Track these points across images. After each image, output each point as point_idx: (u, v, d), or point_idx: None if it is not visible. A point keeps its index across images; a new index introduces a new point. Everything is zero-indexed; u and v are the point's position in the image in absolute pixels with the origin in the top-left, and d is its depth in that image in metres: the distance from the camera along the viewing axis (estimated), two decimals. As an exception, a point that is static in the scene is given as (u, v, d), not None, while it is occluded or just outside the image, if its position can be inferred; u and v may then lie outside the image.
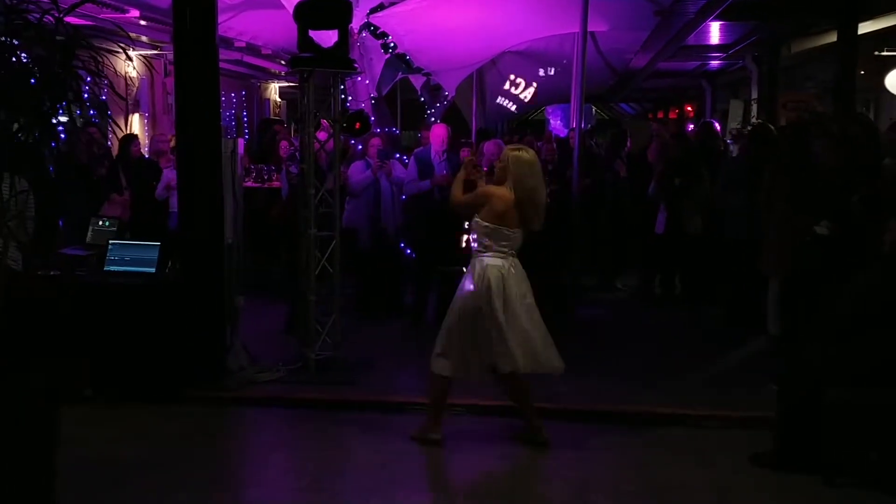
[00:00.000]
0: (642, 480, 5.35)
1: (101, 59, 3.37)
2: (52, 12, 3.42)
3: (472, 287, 5.63)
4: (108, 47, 4.45)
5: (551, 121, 26.45)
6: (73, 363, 6.37)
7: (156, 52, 13.46)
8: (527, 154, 5.71)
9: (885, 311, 5.28)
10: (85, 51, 3.64)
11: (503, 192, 5.61)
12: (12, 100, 3.17)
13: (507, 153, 5.75)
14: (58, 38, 3.34)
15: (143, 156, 10.71)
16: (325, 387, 6.93)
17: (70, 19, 9.34)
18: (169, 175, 9.23)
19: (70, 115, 3.31)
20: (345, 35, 7.13)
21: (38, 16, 3.44)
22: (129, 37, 4.41)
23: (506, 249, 5.65)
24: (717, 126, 14.55)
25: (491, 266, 5.59)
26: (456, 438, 5.87)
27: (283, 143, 10.04)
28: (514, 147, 5.93)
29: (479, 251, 5.68)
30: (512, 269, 5.64)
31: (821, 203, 6.72)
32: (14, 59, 3.34)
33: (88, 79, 3.62)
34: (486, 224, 5.62)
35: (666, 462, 5.64)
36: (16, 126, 3.26)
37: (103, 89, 3.48)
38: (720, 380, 7.25)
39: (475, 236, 5.71)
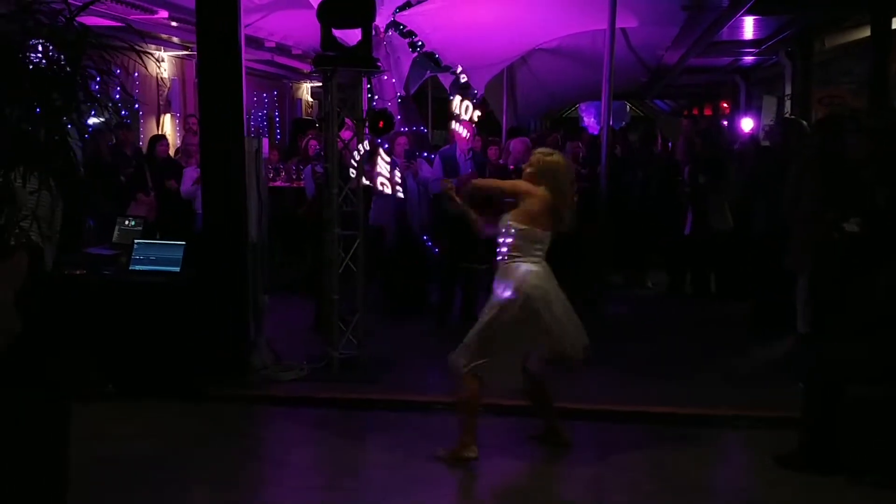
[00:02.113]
0: (663, 481, 5.29)
1: (109, 58, 3.38)
2: (64, 12, 3.43)
3: (512, 296, 5.35)
4: (141, 48, 4.45)
5: (585, 118, 26.36)
6: (90, 361, 6.44)
7: (187, 52, 13.59)
8: (558, 157, 5.57)
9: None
10: (101, 50, 3.65)
11: (541, 192, 5.40)
12: (21, 98, 3.20)
13: (538, 157, 5.56)
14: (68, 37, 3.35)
15: (169, 156, 10.78)
16: (347, 385, 6.93)
17: (98, 21, 9.45)
18: (192, 172, 9.30)
19: (78, 114, 3.33)
20: (368, 33, 7.12)
21: (50, 16, 3.45)
22: (139, 34, 4.39)
23: (540, 254, 5.45)
24: (753, 122, 14.43)
25: (532, 273, 5.37)
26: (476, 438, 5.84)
27: (313, 143, 10.08)
28: (546, 152, 5.68)
29: (514, 255, 5.42)
30: (544, 274, 5.46)
31: (850, 199, 6.61)
32: (25, 58, 3.36)
33: (119, 78, 3.65)
34: (521, 226, 5.40)
35: (688, 462, 5.58)
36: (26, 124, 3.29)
37: (115, 88, 3.50)
38: (748, 379, 7.16)
39: (509, 240, 5.44)
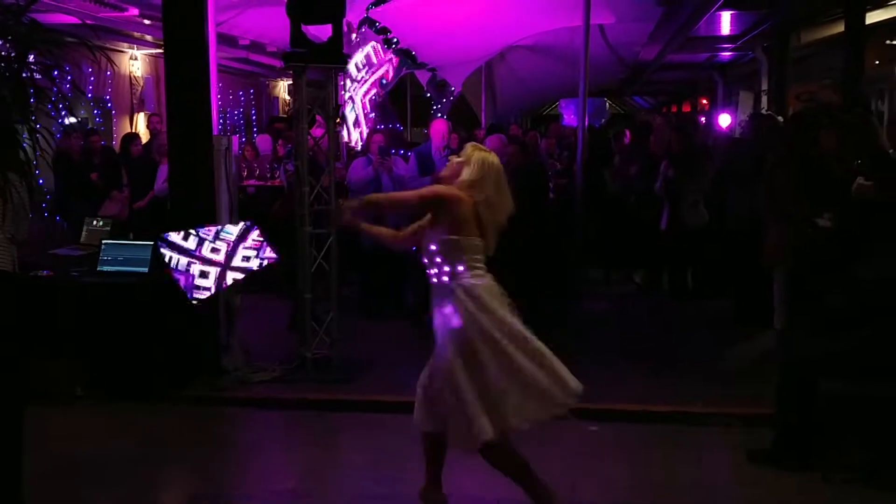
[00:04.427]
0: (636, 477, 5.28)
1: (59, 53, 3.30)
2: (12, 7, 3.34)
3: (460, 323, 4.47)
4: (113, 46, 4.25)
5: (565, 115, 26.38)
6: (58, 364, 6.35)
7: (160, 50, 13.43)
8: (495, 159, 4.67)
9: (885, 302, 5.16)
10: (52, 45, 3.55)
11: (460, 194, 4.53)
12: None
13: (471, 151, 4.67)
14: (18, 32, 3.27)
15: (143, 154, 10.70)
16: (320, 386, 6.86)
17: (66, 18, 9.31)
18: (165, 170, 9.22)
19: (26, 110, 3.24)
20: (339, 29, 7.04)
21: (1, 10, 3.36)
22: (93, 30, 4.28)
23: (481, 264, 4.58)
24: (730, 118, 14.44)
25: (479, 287, 4.49)
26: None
27: (281, 141, 10.01)
28: (481, 147, 4.78)
29: (453, 274, 4.51)
30: (496, 289, 4.58)
31: (823, 194, 6.57)
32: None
33: (70, 74, 3.56)
34: (454, 237, 4.50)
35: (662, 459, 5.56)
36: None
37: (65, 84, 3.41)
38: (724, 376, 7.11)
39: (440, 259, 4.53)
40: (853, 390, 5.14)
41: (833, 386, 5.13)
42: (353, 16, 10.31)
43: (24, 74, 3.21)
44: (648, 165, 10.34)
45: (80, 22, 9.55)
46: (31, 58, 3.40)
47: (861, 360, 5.20)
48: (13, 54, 3.31)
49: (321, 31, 7.27)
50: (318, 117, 7.37)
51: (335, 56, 7.02)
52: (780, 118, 9.21)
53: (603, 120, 24.68)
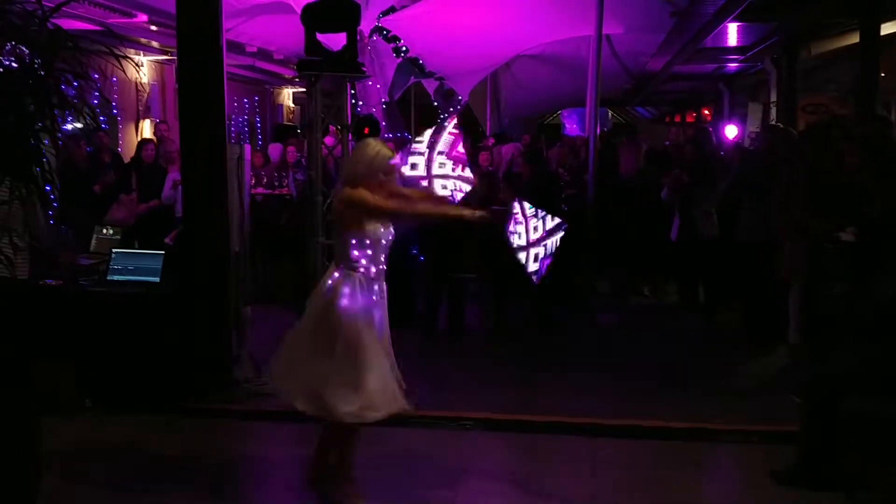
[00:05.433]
0: (653, 497, 5.15)
1: (85, 61, 3.23)
2: (36, 13, 3.26)
3: None
4: (119, 52, 4.22)
5: (567, 125, 26.29)
6: (67, 374, 6.26)
7: (167, 57, 13.39)
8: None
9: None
10: (77, 52, 3.48)
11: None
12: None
13: None
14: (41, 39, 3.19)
15: (155, 161, 10.63)
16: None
17: (76, 24, 9.24)
18: (174, 175, 9.14)
19: (52, 119, 3.16)
20: (353, 38, 6.99)
21: (23, 17, 3.29)
22: (118, 38, 4.21)
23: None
24: (737, 129, 14.40)
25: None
26: (464, 454, 5.70)
27: (290, 149, 9.90)
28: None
29: None
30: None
31: (842, 208, 6.50)
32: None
33: (95, 82, 3.50)
34: None
35: (679, 478, 5.42)
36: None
37: (92, 92, 3.34)
38: (739, 392, 7.02)
39: None
40: (877, 408, 5.05)
41: (857, 404, 5.04)
42: (364, 24, 10.29)
43: (49, 82, 3.13)
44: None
45: (88, 27, 9.53)
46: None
47: (881, 377, 5.12)
48: (37, 62, 3.23)
49: (330, 40, 7.22)
50: (331, 126, 7.30)
51: (350, 64, 6.96)
52: (792, 130, 9.13)
53: (605, 129, 24.64)
